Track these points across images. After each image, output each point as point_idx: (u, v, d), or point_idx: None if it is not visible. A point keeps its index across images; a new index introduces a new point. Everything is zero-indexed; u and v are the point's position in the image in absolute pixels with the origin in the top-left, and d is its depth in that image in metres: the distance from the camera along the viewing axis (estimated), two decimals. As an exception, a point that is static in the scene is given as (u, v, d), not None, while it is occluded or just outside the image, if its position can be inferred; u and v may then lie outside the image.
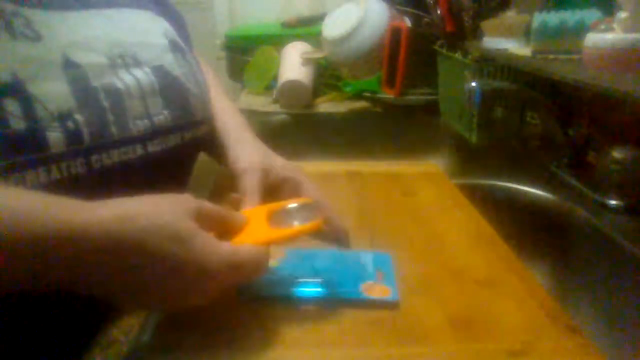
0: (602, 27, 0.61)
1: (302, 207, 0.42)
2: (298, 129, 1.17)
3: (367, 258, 0.48)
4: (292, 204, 0.42)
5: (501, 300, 0.43)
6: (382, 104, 1.24)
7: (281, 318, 0.40)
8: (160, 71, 0.48)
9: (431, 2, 1.11)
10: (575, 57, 0.68)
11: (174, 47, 0.52)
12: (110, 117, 0.41)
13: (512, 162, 0.86)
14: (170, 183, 0.48)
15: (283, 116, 1.21)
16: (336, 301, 0.42)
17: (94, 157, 0.40)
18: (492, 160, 0.87)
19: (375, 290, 0.43)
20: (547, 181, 0.75)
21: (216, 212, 0.38)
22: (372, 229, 0.48)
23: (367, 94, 1.27)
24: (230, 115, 0.60)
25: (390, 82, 1.22)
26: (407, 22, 1.23)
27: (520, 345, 0.37)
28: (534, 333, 0.39)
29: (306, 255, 0.48)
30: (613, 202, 0.66)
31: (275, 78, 1.28)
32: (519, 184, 0.76)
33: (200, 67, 0.57)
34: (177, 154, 0.49)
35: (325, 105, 1.26)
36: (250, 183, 0.48)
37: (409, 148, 0.97)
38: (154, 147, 0.45)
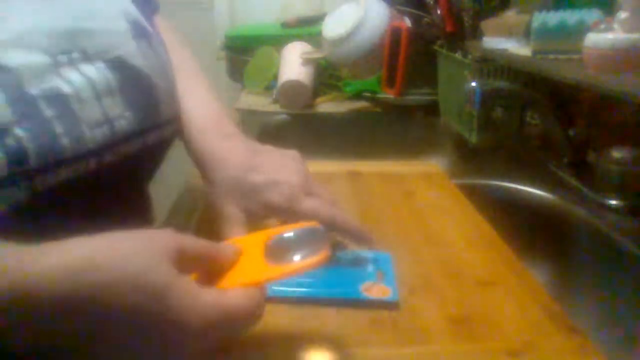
0: (602, 27, 0.61)
1: (306, 234, 0.35)
2: (298, 129, 1.17)
3: (367, 258, 0.48)
4: (292, 231, 0.36)
5: (501, 300, 0.43)
6: (382, 104, 1.24)
7: (280, 318, 0.40)
8: (118, 64, 0.39)
9: (431, 2, 1.11)
10: (575, 57, 0.67)
11: (136, 31, 0.42)
12: (58, 129, 0.33)
13: (512, 162, 0.86)
14: (127, 195, 0.44)
15: (283, 116, 1.21)
16: (336, 301, 0.42)
17: (38, 179, 0.32)
18: (492, 160, 0.87)
19: (375, 290, 0.43)
20: (547, 181, 0.75)
21: (202, 250, 0.31)
22: (372, 229, 0.48)
23: (367, 94, 1.27)
24: (203, 105, 0.50)
25: (390, 82, 1.22)
26: (407, 22, 1.23)
27: (520, 345, 0.37)
28: (534, 333, 0.39)
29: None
30: (613, 202, 0.66)
31: (275, 78, 1.28)
32: (519, 184, 0.76)
33: (168, 52, 0.48)
34: (137, 161, 0.42)
35: (325, 105, 1.26)
36: (232, 217, 0.43)
37: (409, 148, 0.97)
38: (110, 158, 0.38)
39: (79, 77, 0.36)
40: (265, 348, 0.37)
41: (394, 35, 1.19)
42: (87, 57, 0.37)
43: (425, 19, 1.19)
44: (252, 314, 0.30)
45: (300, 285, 0.43)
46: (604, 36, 0.59)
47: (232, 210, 0.44)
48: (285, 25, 1.50)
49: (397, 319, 0.40)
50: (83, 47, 0.37)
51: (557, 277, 0.70)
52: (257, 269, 0.33)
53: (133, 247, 0.27)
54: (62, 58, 0.35)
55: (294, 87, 1.21)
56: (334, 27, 1.26)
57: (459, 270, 0.47)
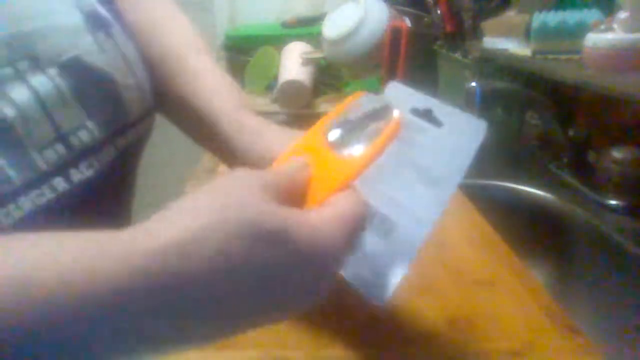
0: (602, 27, 0.61)
1: (361, 107, 0.32)
2: (298, 129, 1.17)
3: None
4: (345, 112, 0.32)
5: (501, 300, 0.43)
6: (382, 104, 1.24)
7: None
8: (75, 66, 0.35)
9: (431, 2, 1.11)
10: (575, 57, 0.68)
11: (93, 22, 0.37)
12: (1, 161, 0.30)
13: (512, 162, 0.86)
14: (112, 203, 0.42)
15: (283, 116, 1.21)
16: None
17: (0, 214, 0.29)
18: (492, 160, 0.87)
19: None
20: (547, 181, 0.75)
21: (288, 180, 0.28)
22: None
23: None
24: (225, 89, 0.45)
25: (390, 82, 1.22)
26: (407, 22, 1.23)
27: (520, 345, 0.37)
28: (534, 333, 0.39)
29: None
30: (613, 202, 0.66)
31: (275, 78, 1.28)
32: (519, 184, 0.76)
33: (132, 36, 0.43)
34: (114, 168, 0.38)
35: (325, 105, 1.26)
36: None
37: (409, 148, 0.97)
38: (80, 174, 0.34)
39: (26, 94, 0.31)
40: (264, 348, 0.37)
41: (394, 35, 1.19)
42: (37, 65, 0.32)
43: (425, 19, 1.19)
44: (362, 214, 0.28)
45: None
46: (604, 36, 0.59)
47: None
48: (285, 25, 1.50)
49: (397, 319, 0.40)
50: (32, 53, 0.32)
51: (557, 277, 0.70)
52: (336, 170, 0.29)
53: (231, 198, 0.24)
54: (7, 71, 0.31)
55: (294, 87, 1.21)
56: (334, 27, 1.26)
57: (459, 270, 0.47)
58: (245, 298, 0.23)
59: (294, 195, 0.28)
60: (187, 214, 0.23)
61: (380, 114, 0.31)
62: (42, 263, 0.20)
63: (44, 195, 0.32)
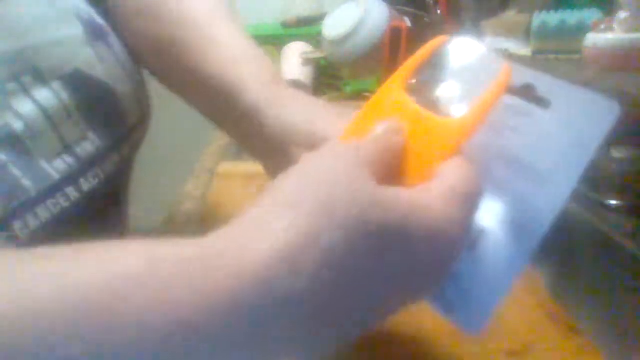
0: (602, 27, 0.61)
1: (451, 53, 0.25)
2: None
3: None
4: (429, 59, 0.25)
5: (501, 300, 0.43)
6: (382, 104, 1.25)
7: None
8: (76, 79, 0.35)
9: (431, 2, 1.11)
10: (575, 57, 0.67)
11: (92, 33, 0.37)
12: (16, 172, 0.30)
13: (512, 162, 0.86)
14: (112, 207, 0.43)
15: (283, 116, 1.21)
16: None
17: (17, 225, 0.29)
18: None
19: None
20: (547, 181, 0.75)
21: (384, 149, 0.24)
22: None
23: (367, 94, 1.27)
24: (256, 62, 0.39)
25: (390, 82, 1.22)
26: (407, 22, 1.23)
27: (520, 345, 0.37)
28: (534, 333, 0.39)
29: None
30: (613, 202, 0.66)
31: (275, 78, 1.28)
32: (519, 184, 0.76)
33: (123, 47, 0.41)
34: (120, 174, 0.39)
35: (325, 105, 1.26)
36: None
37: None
38: (88, 184, 0.35)
39: (32, 108, 0.32)
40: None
41: (394, 35, 1.19)
42: (41, 78, 0.32)
43: (425, 19, 1.19)
44: (477, 187, 0.24)
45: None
46: (604, 36, 0.59)
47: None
48: (285, 25, 1.50)
49: (397, 319, 0.40)
50: (35, 66, 0.32)
51: (557, 277, 0.70)
52: (437, 133, 0.23)
53: (336, 195, 0.20)
54: (12, 86, 0.31)
55: (294, 87, 1.21)
56: (334, 27, 1.26)
57: (459, 270, 0.47)
58: (364, 298, 0.22)
59: (392, 166, 0.24)
60: (289, 211, 0.20)
61: (478, 62, 0.25)
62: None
63: (59, 204, 0.32)
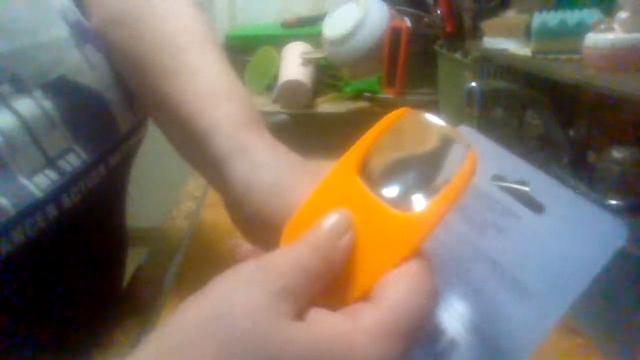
0: (602, 27, 0.61)
1: (420, 139, 0.21)
2: (298, 129, 1.17)
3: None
4: (384, 143, 0.21)
5: (501, 300, 0.43)
6: (382, 104, 1.24)
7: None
8: (61, 87, 0.32)
9: (431, 2, 1.11)
10: (575, 57, 0.67)
11: (80, 36, 0.34)
12: None
13: (512, 162, 0.85)
14: (103, 218, 0.40)
15: (283, 116, 1.22)
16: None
17: None
18: (492, 160, 0.87)
19: None
20: (547, 181, 0.75)
21: (314, 277, 0.20)
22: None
23: (367, 94, 1.27)
24: (233, 98, 0.35)
25: (390, 82, 1.22)
26: (407, 22, 1.23)
27: (520, 345, 0.37)
28: (534, 333, 0.39)
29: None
30: (613, 202, 0.66)
31: (275, 78, 1.28)
32: (519, 184, 0.76)
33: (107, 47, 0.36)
34: (105, 187, 0.36)
35: (325, 105, 1.26)
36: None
37: (409, 148, 0.97)
38: (71, 200, 0.32)
39: (11, 119, 0.29)
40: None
41: (394, 35, 1.19)
42: (21, 87, 0.30)
43: (425, 19, 1.19)
44: (426, 307, 0.19)
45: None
46: (604, 36, 0.59)
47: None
48: (285, 25, 1.50)
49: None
50: (15, 73, 0.29)
51: (557, 277, 0.70)
52: (392, 230, 0.20)
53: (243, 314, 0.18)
54: None
55: (294, 87, 1.21)
56: (334, 27, 1.26)
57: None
58: None
59: (332, 278, 0.20)
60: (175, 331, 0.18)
61: (441, 143, 0.21)
62: None
63: (36, 225, 0.29)
